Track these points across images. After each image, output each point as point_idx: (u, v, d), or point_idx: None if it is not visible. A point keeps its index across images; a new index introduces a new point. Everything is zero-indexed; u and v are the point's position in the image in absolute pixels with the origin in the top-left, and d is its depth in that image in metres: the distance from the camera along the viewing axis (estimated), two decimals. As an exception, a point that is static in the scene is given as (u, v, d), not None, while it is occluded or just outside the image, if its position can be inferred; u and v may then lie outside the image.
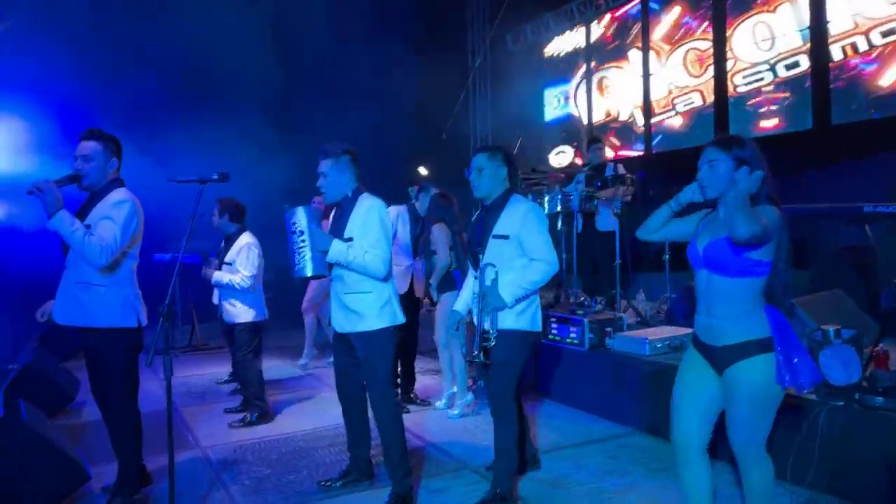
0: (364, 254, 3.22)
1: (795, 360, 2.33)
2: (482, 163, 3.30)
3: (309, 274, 3.26)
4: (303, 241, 3.23)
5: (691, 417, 2.53)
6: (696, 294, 2.55)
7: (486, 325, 3.15)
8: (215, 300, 5.25)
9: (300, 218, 3.24)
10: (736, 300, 2.38)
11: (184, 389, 5.90)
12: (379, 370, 3.34)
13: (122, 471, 3.35)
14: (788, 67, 7.60)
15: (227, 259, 4.92)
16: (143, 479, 3.49)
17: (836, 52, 7.12)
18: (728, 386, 2.43)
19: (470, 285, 3.46)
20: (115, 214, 3.18)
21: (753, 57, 7.99)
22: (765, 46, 7.85)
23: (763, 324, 2.37)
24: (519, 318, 3.22)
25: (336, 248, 3.20)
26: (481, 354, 3.13)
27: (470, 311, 3.44)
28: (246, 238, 4.92)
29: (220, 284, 4.86)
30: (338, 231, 3.33)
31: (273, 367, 6.83)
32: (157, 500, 3.44)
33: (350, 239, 3.27)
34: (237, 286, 4.78)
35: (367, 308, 3.31)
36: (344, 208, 3.39)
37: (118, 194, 3.26)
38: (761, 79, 7.92)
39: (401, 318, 3.43)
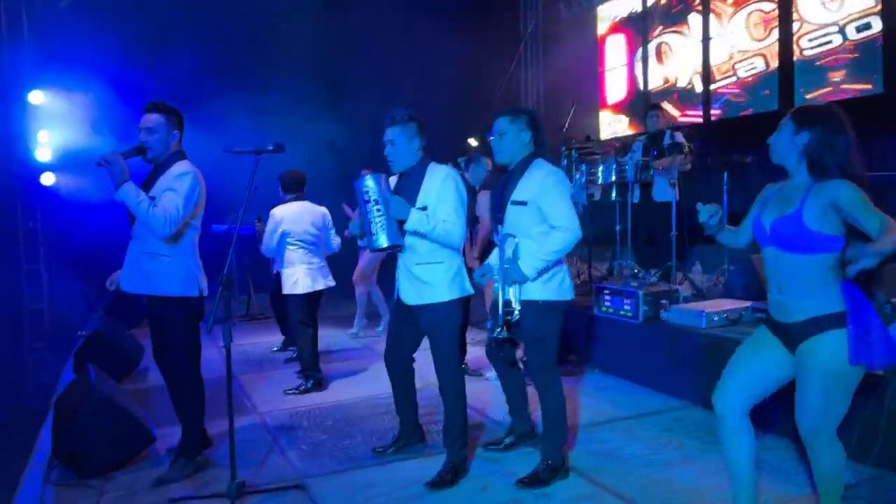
0: (443, 222, 3.16)
1: (871, 338, 2.20)
2: (503, 127, 3.19)
3: (386, 245, 3.16)
4: (378, 210, 3.13)
5: (736, 381, 2.47)
6: (765, 271, 2.45)
7: (509, 297, 3.07)
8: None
9: (371, 186, 3.13)
10: (807, 276, 2.28)
11: (241, 357, 6.07)
12: (446, 342, 3.30)
13: (185, 433, 3.47)
14: (859, 29, 7.17)
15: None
16: (205, 441, 3.62)
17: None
18: (800, 364, 2.33)
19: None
20: (177, 186, 3.27)
21: (821, 18, 7.57)
22: (833, 7, 7.45)
23: (837, 298, 2.25)
24: (546, 288, 3.14)
25: (416, 217, 3.13)
26: (504, 330, 3.04)
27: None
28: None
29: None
30: (408, 201, 3.21)
31: (326, 335, 6.96)
32: (218, 462, 3.56)
33: (424, 208, 3.20)
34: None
35: (439, 279, 3.25)
36: (412, 177, 3.30)
37: (181, 166, 3.34)
38: (829, 41, 7.50)
39: (470, 289, 3.38)
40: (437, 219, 3.16)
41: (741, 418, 2.47)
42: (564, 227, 3.05)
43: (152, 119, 3.33)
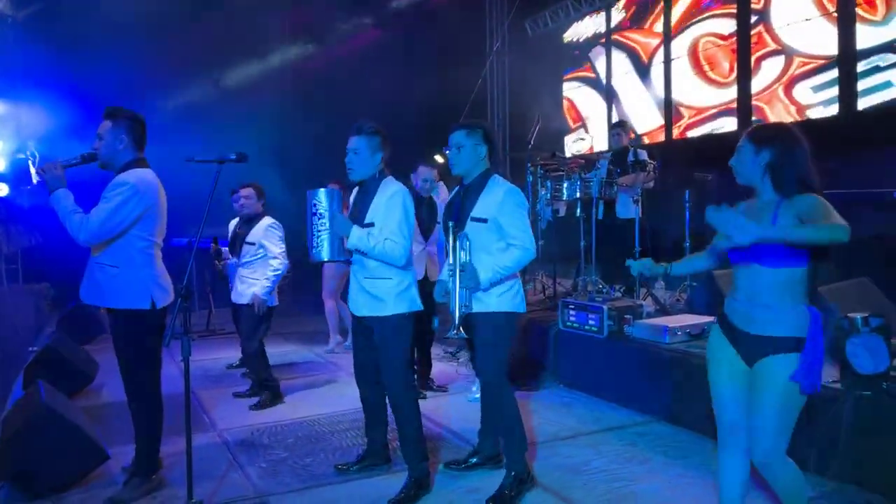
0: (385, 241, 3.16)
1: (817, 365, 2.25)
2: (460, 140, 3.22)
3: (325, 259, 3.24)
4: (323, 224, 3.19)
5: (733, 402, 2.45)
6: (735, 281, 2.46)
7: (463, 299, 3.09)
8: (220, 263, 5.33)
9: (321, 200, 3.20)
10: (782, 291, 2.30)
11: (200, 372, 5.92)
12: (395, 355, 3.30)
13: (140, 451, 3.34)
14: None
15: (249, 239, 4.95)
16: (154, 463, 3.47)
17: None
18: (757, 385, 2.34)
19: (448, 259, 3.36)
20: (110, 195, 3.13)
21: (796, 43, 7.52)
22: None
23: (802, 323, 2.28)
24: (501, 300, 3.19)
25: (356, 235, 3.15)
26: (461, 330, 3.07)
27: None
28: (268, 219, 4.99)
29: (270, 289, 4.86)
30: (360, 213, 3.27)
31: (290, 351, 6.85)
32: (174, 481, 3.44)
33: (371, 224, 3.22)
34: (277, 271, 4.86)
35: (386, 293, 3.26)
36: (367, 190, 3.33)
37: (122, 177, 3.20)
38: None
39: (418, 305, 3.38)
40: (380, 237, 3.18)
41: (744, 438, 2.44)
42: (521, 245, 3.12)
43: (101, 125, 3.25)
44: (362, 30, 9.96)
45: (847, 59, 6.92)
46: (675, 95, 8.95)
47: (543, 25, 11.39)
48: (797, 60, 7.45)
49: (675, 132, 8.97)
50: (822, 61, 7.19)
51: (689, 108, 8.83)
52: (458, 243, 3.12)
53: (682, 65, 8.86)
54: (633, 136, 7.28)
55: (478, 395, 4.72)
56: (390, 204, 3.23)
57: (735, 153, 2.46)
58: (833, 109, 7.09)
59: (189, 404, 2.97)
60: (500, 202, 3.13)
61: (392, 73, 9.79)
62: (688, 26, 8.80)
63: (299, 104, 9.93)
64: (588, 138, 10.72)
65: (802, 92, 7.41)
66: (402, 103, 9.42)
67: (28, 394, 3.91)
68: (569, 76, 10.93)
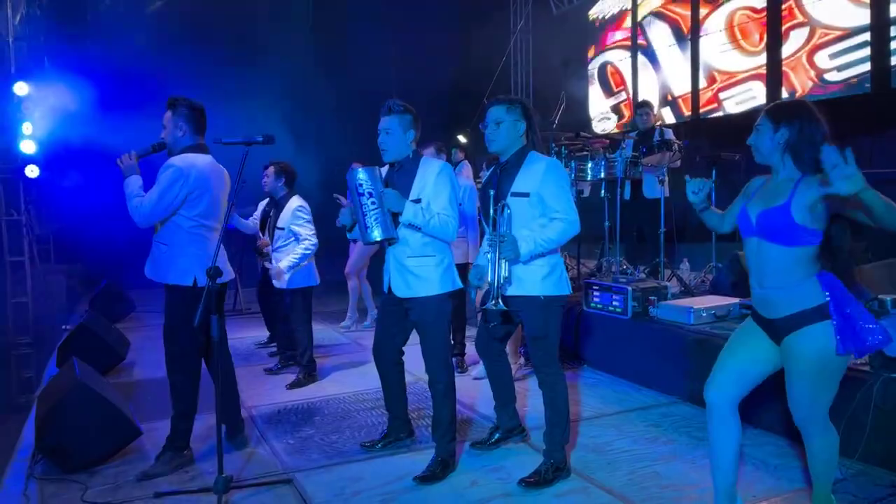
0: (438, 215, 3.14)
1: (855, 327, 2.25)
2: (500, 115, 3.14)
3: (380, 238, 3.16)
4: (373, 202, 3.12)
5: (727, 374, 2.50)
6: (747, 264, 2.48)
7: (503, 272, 3.01)
8: (268, 264, 5.37)
9: (364, 179, 3.13)
10: (788, 269, 2.32)
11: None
12: (436, 336, 3.30)
13: (176, 425, 3.44)
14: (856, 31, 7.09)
15: (279, 224, 4.99)
16: (237, 426, 3.74)
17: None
18: (786, 357, 2.38)
19: (486, 241, 3.31)
20: (160, 179, 3.33)
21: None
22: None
23: (816, 291, 2.30)
24: (545, 283, 3.12)
25: (411, 209, 3.12)
26: (500, 301, 2.97)
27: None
28: (297, 201, 5.00)
29: (295, 264, 4.88)
30: (401, 193, 3.19)
31: (315, 331, 6.91)
32: (204, 456, 3.53)
33: (418, 201, 3.18)
34: (308, 251, 4.88)
35: (431, 272, 3.24)
36: (405, 170, 3.28)
37: (170, 160, 3.38)
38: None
39: (459, 284, 3.38)
40: (432, 212, 3.15)
41: (730, 409, 2.50)
42: (565, 218, 3.05)
43: (165, 115, 3.46)
44: (384, 8, 9.90)
45: (879, 31, 6.77)
46: (711, 62, 8.86)
47: (568, 3, 11.24)
48: (819, 31, 7.51)
49: (709, 94, 8.88)
50: (841, 32, 7.31)
51: (721, 72, 8.75)
52: (499, 215, 3.05)
53: (718, 37, 8.75)
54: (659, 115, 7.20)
55: (478, 372, 4.77)
56: (439, 180, 3.20)
57: (753, 131, 2.46)
58: (848, 73, 7.09)
59: (218, 383, 3.03)
60: (542, 175, 3.06)
61: (415, 52, 9.74)
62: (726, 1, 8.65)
63: (321, 86, 9.94)
64: (613, 118, 10.59)
65: (822, 59, 7.54)
66: (426, 83, 9.38)
67: (63, 371, 4.01)
68: (612, 44, 10.64)
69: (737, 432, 2.51)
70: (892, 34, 6.68)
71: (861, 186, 1.96)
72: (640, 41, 10.02)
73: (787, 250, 2.31)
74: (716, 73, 8.82)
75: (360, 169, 3.16)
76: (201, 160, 3.41)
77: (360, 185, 3.13)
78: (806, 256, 2.30)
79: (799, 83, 7.68)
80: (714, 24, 8.81)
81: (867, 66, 6.97)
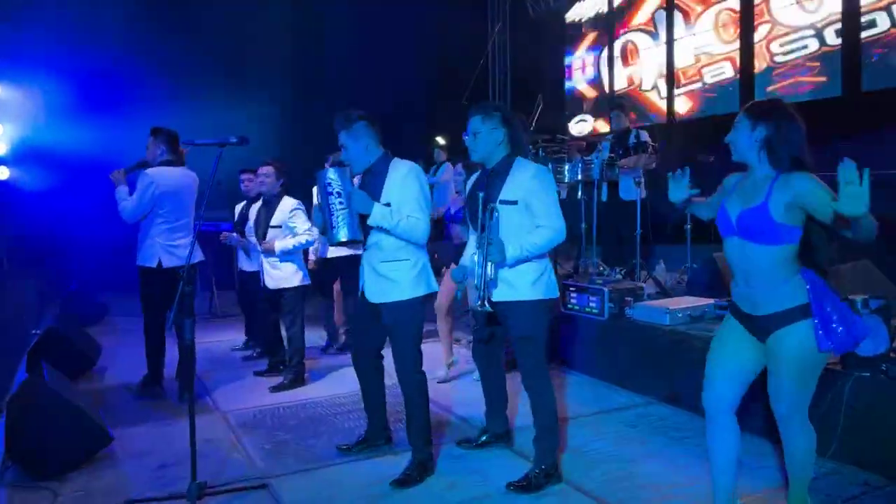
0: (407, 217, 3.12)
1: (835, 324, 2.29)
2: (476, 126, 3.15)
3: (344, 239, 3.14)
4: (341, 202, 3.09)
5: (724, 380, 2.51)
6: (729, 263, 2.50)
7: (489, 273, 3.00)
8: (246, 267, 5.33)
9: (333, 178, 3.10)
10: (774, 268, 2.34)
11: (204, 356, 5.94)
12: (408, 339, 3.28)
13: (150, 368, 4.63)
14: (839, 33, 7.04)
15: (273, 222, 4.96)
16: (156, 377, 4.68)
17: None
18: (770, 354, 2.41)
19: (472, 243, 3.33)
20: (138, 186, 4.45)
21: (796, 20, 7.49)
22: (811, 7, 7.33)
23: (800, 289, 2.33)
24: (534, 288, 3.13)
25: (378, 211, 3.09)
26: (486, 303, 2.97)
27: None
28: (291, 201, 5.01)
29: (288, 250, 4.86)
30: (373, 197, 3.16)
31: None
32: (178, 460, 3.48)
33: (388, 205, 3.15)
34: (305, 243, 4.90)
35: (403, 275, 3.22)
36: (375, 174, 3.25)
37: (145, 171, 4.48)
38: (804, 46, 7.39)
39: (434, 286, 3.36)
40: (401, 214, 3.13)
41: (731, 416, 2.52)
42: (551, 226, 3.06)
43: (149, 140, 4.57)
44: (362, 10, 9.85)
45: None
46: (701, 44, 8.94)
47: (545, 5, 11.29)
48: (777, 28, 7.72)
49: (692, 72, 9.00)
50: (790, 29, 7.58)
51: (705, 53, 8.80)
52: (487, 219, 3.04)
53: (707, 27, 8.82)
54: (633, 116, 7.25)
55: (477, 376, 4.77)
56: (406, 182, 3.18)
57: (732, 129, 2.48)
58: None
59: (192, 386, 2.99)
60: (529, 182, 3.06)
61: (393, 55, 9.71)
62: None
63: (299, 88, 9.88)
64: (590, 120, 10.65)
65: (776, 48, 7.76)
66: (404, 85, 9.36)
67: (32, 376, 3.92)
68: (630, 27, 10.52)
69: (736, 441, 2.53)
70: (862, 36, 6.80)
71: (864, 211, 1.96)
72: (618, 42, 10.10)
73: (770, 249, 2.33)
74: (703, 56, 8.85)
75: (330, 169, 3.15)
76: (168, 171, 4.51)
77: (329, 183, 3.11)
78: (790, 254, 2.34)
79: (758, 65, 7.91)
80: (705, 22, 8.86)
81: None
